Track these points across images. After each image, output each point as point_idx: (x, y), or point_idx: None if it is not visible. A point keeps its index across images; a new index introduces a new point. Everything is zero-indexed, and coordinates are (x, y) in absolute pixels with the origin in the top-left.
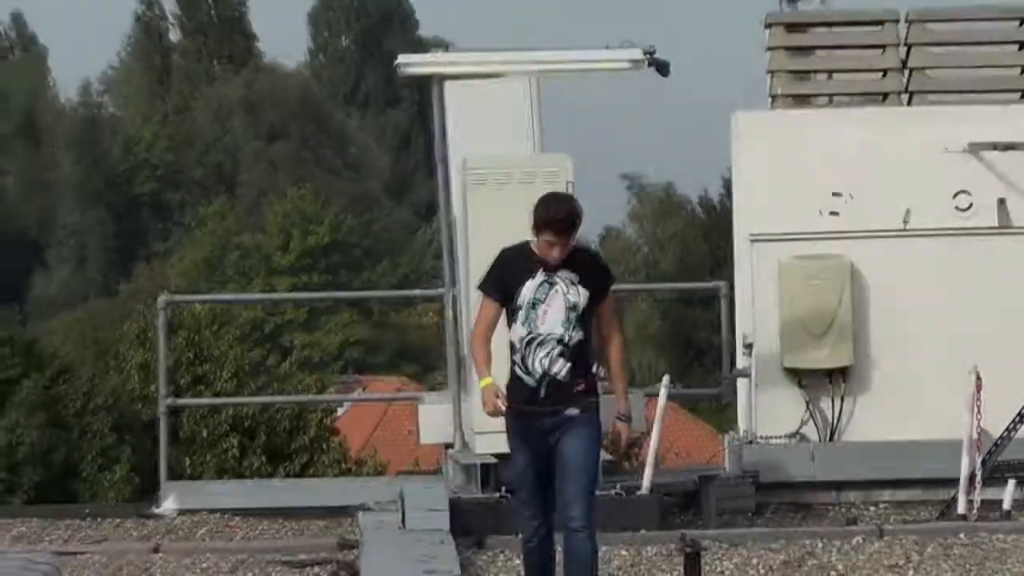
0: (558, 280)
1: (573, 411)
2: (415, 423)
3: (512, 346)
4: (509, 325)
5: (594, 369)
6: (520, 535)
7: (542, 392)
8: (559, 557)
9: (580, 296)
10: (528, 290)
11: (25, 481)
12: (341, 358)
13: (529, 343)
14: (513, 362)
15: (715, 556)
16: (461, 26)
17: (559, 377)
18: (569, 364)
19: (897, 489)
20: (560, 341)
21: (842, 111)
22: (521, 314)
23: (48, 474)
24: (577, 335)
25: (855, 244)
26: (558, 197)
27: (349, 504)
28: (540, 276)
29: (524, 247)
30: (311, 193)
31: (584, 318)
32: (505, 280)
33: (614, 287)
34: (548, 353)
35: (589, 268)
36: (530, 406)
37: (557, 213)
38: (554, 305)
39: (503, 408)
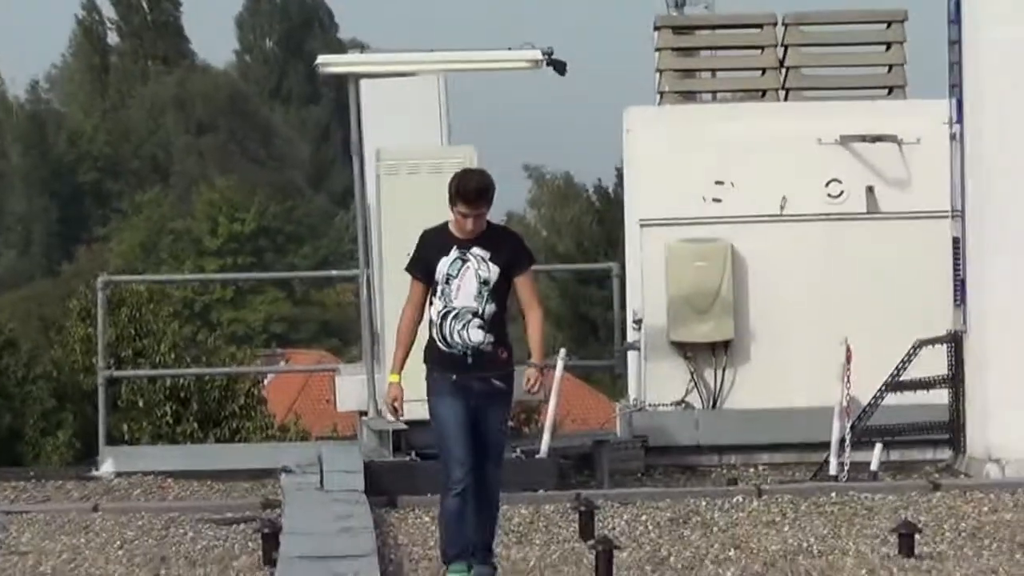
0: (470, 256)
1: (499, 383)
2: (333, 392)
3: (430, 321)
4: (430, 302)
5: (509, 336)
6: (446, 487)
7: (469, 360)
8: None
9: (491, 272)
10: (443, 266)
11: None
12: (266, 332)
13: (445, 316)
14: (432, 337)
15: (608, 514)
16: (377, 28)
17: (482, 347)
18: (490, 335)
19: (774, 452)
20: (475, 314)
21: (724, 107)
22: (438, 288)
23: None
24: (491, 308)
25: (736, 228)
26: (469, 171)
27: (272, 467)
28: (454, 253)
29: (443, 227)
30: (237, 182)
31: (497, 292)
32: (425, 259)
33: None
34: (465, 325)
35: (501, 245)
36: (459, 372)
37: (467, 184)
38: (466, 280)
39: (398, 413)
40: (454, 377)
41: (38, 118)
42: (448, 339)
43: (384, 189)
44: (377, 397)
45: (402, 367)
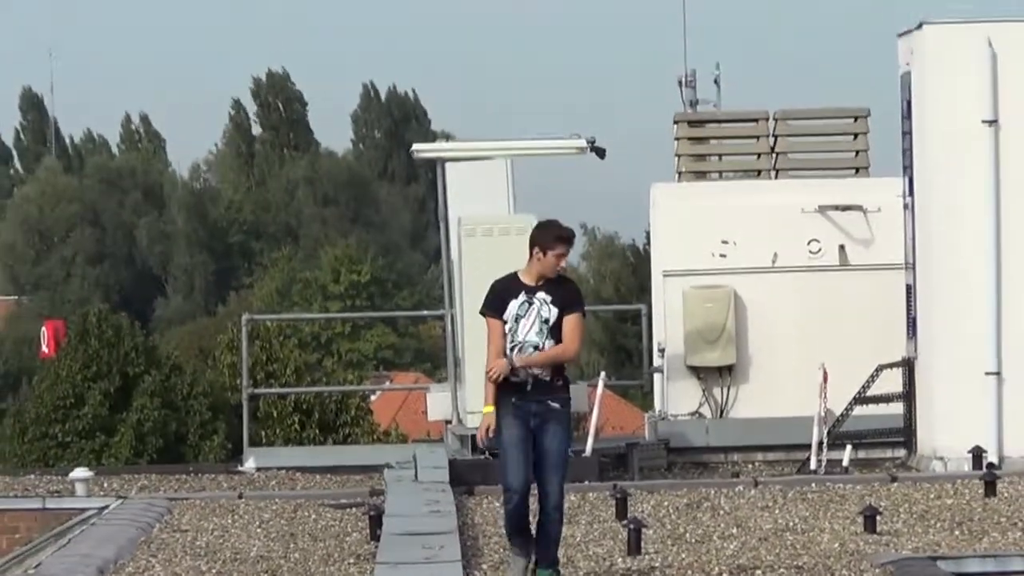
0: (536, 300)
1: (555, 404)
2: (425, 405)
3: (503, 353)
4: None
5: (567, 372)
6: (504, 499)
7: (529, 387)
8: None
9: (551, 312)
10: (513, 307)
11: (148, 447)
12: (375, 359)
13: (512, 349)
14: None
15: (638, 500)
16: (461, 119)
17: (540, 377)
18: (548, 368)
19: (767, 452)
20: (536, 348)
21: (728, 183)
22: (508, 327)
23: (165, 442)
24: (550, 343)
25: (737, 277)
26: (557, 221)
27: (378, 464)
28: (522, 296)
29: (511, 276)
30: (354, 243)
31: (555, 331)
32: (499, 300)
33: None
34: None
35: (560, 291)
36: (520, 399)
37: (566, 231)
38: (531, 318)
39: (490, 438)
40: (515, 400)
41: (198, 193)
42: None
43: (464, 248)
44: (459, 410)
45: (494, 400)
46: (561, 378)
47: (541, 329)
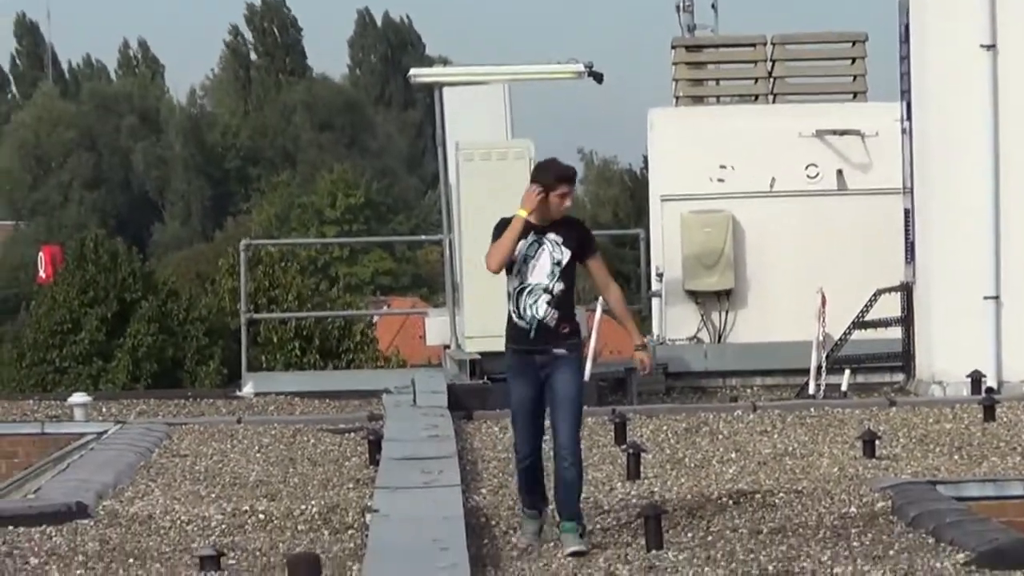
0: (546, 240)
1: (560, 351)
2: (424, 330)
3: (508, 294)
4: (508, 278)
5: (575, 315)
6: (516, 459)
7: (532, 334)
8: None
9: (563, 254)
10: (522, 247)
11: (145, 372)
12: (373, 283)
13: (520, 292)
14: (509, 310)
15: (637, 424)
16: (459, 44)
17: (547, 321)
18: (555, 311)
19: (766, 376)
20: (546, 290)
21: (726, 108)
22: (515, 267)
23: (161, 367)
24: (560, 286)
25: (735, 202)
26: (556, 159)
27: (376, 389)
28: (531, 236)
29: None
30: (350, 168)
31: (566, 272)
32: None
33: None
34: (535, 300)
35: (572, 231)
36: (524, 345)
37: (567, 170)
38: (541, 260)
39: (539, 191)
40: (518, 353)
41: (195, 118)
42: (521, 312)
43: (462, 173)
44: (458, 335)
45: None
46: (567, 323)
47: (553, 271)
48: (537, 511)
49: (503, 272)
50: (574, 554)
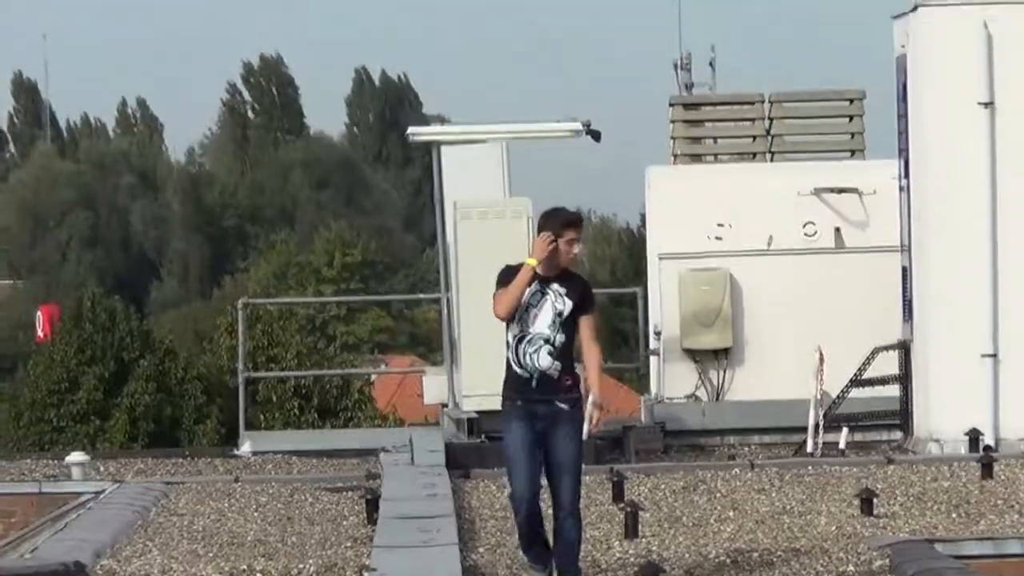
0: (549, 290)
1: (563, 405)
2: (421, 389)
3: (507, 343)
4: (508, 326)
5: (577, 369)
6: (512, 504)
7: (535, 383)
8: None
9: (565, 305)
10: (525, 296)
11: (142, 431)
12: (370, 342)
13: (521, 340)
14: (508, 359)
15: (634, 483)
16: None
17: (549, 372)
18: (558, 363)
19: (764, 434)
20: (547, 340)
21: (724, 166)
22: (517, 315)
23: (159, 426)
24: (561, 337)
25: (733, 260)
26: (562, 207)
27: (374, 447)
28: (535, 286)
29: (520, 264)
30: (348, 226)
31: (567, 325)
32: (508, 284)
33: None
34: (536, 350)
35: (575, 285)
36: (525, 395)
37: (573, 216)
38: (544, 309)
39: (551, 241)
40: (519, 402)
41: (193, 177)
42: (521, 360)
43: (460, 231)
44: (455, 393)
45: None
46: (570, 376)
47: (554, 321)
48: (543, 565)
49: (501, 327)
50: None
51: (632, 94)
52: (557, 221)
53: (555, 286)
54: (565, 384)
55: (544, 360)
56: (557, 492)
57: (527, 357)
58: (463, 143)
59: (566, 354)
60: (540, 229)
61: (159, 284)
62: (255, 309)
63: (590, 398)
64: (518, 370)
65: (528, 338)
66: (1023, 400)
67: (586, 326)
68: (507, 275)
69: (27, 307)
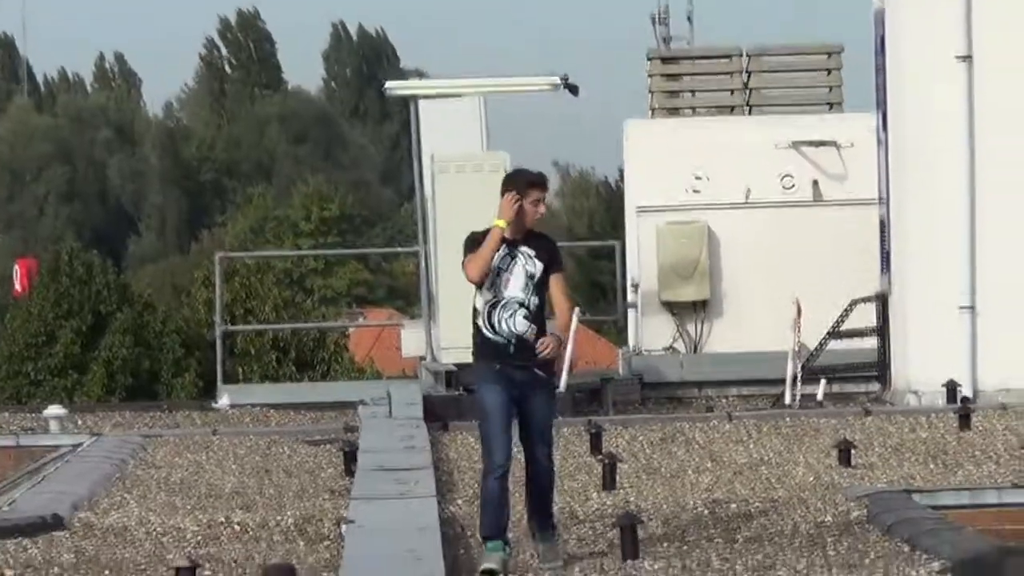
0: (519, 253)
1: (541, 372)
2: (400, 342)
3: (476, 311)
4: (476, 294)
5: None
6: (486, 470)
7: (511, 349)
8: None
9: (536, 267)
10: (495, 260)
11: (120, 385)
12: (348, 296)
13: (494, 306)
14: (478, 326)
15: (612, 434)
16: (432, 58)
17: (525, 336)
18: (534, 325)
19: (741, 386)
20: (521, 304)
21: (702, 119)
22: (488, 281)
23: (136, 380)
24: (535, 299)
25: (711, 213)
26: (524, 168)
27: (352, 400)
28: (503, 250)
29: (487, 230)
30: (325, 181)
31: (540, 287)
32: (477, 249)
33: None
34: (512, 315)
35: (543, 244)
36: (502, 360)
37: (537, 176)
38: (515, 273)
39: (516, 198)
40: (497, 366)
41: (171, 131)
42: (496, 327)
43: (437, 185)
44: (433, 346)
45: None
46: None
47: (527, 284)
48: (501, 541)
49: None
50: (549, 568)
51: (610, 48)
52: (522, 181)
53: (524, 248)
54: (541, 348)
55: (520, 324)
56: (532, 451)
57: (502, 323)
58: (441, 97)
59: (540, 316)
60: (504, 191)
61: (136, 238)
62: (232, 263)
63: (553, 334)
64: (492, 336)
65: (502, 303)
66: (1000, 352)
67: (557, 284)
68: (474, 241)
69: (3, 261)
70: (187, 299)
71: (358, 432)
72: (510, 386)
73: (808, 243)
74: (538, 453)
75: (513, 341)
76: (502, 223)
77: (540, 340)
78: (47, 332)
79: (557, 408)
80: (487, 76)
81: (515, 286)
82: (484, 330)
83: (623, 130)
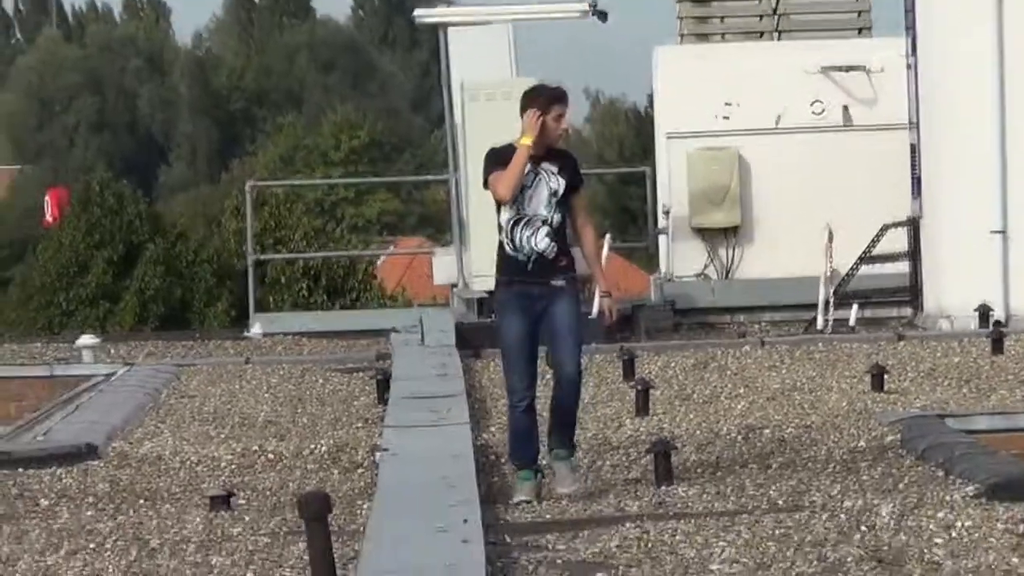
0: (541, 170)
1: (559, 282)
2: (431, 269)
3: (500, 227)
4: (498, 210)
5: (570, 248)
6: (510, 403)
7: (530, 266)
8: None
9: (559, 184)
10: None
11: (152, 314)
12: (379, 224)
13: (516, 223)
14: (501, 243)
15: (645, 361)
16: None
17: (546, 253)
18: (555, 243)
19: (774, 312)
20: (545, 221)
21: (731, 45)
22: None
23: (169, 309)
24: (558, 217)
25: (742, 139)
26: (543, 83)
27: (384, 328)
28: (527, 166)
29: (509, 146)
30: (354, 109)
31: (562, 204)
32: (500, 166)
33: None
34: (534, 232)
35: (565, 162)
36: (521, 277)
37: (557, 90)
38: (538, 190)
39: (538, 113)
40: (514, 285)
41: (200, 60)
42: (516, 243)
43: (467, 112)
44: (465, 274)
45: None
46: (565, 256)
47: (550, 201)
48: (532, 470)
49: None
50: (565, 495)
51: None
52: (543, 97)
53: (546, 165)
54: (560, 264)
55: (542, 242)
56: (559, 360)
57: (524, 240)
58: (470, 25)
59: (562, 234)
60: (524, 108)
61: (167, 168)
62: (262, 192)
63: (598, 290)
64: (515, 254)
65: (526, 219)
66: None
67: (579, 203)
68: (496, 157)
69: (34, 192)
70: (217, 229)
71: (391, 360)
72: (530, 306)
73: (839, 168)
74: (563, 355)
75: (534, 258)
76: (527, 140)
77: (601, 308)
78: (79, 262)
79: (585, 325)
80: (516, 3)
81: (538, 203)
82: (506, 247)
83: (653, 56)
